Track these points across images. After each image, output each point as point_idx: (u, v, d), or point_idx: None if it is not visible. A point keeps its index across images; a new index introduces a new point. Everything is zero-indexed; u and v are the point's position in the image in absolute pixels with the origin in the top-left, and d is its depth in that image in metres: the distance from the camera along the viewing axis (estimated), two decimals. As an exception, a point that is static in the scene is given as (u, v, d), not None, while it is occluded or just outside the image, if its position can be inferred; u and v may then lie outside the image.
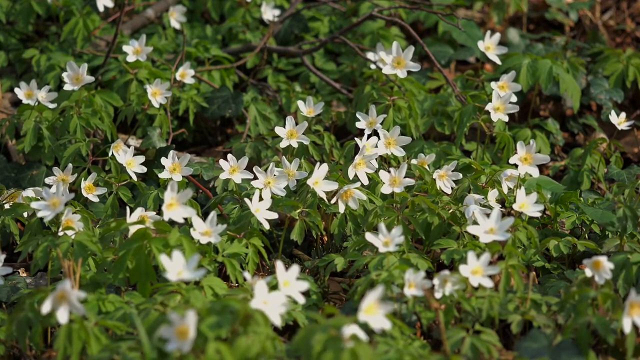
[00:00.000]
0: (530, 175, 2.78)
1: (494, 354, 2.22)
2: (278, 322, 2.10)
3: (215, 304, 2.08)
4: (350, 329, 2.01)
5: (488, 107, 2.97)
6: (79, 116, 3.04)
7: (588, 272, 2.34)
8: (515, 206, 2.54)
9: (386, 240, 2.40)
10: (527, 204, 2.54)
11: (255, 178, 2.73)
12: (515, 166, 2.77)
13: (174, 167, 2.79)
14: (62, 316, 2.12)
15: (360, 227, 2.68)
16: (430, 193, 2.76)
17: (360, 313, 2.07)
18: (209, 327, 2.03)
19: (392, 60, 3.10)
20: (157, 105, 3.14)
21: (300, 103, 3.05)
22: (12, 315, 2.24)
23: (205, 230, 2.43)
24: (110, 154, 2.92)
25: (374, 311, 2.09)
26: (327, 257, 2.60)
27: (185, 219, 2.42)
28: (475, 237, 2.49)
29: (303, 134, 2.91)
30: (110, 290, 2.48)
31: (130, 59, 3.25)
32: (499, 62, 3.25)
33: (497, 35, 3.24)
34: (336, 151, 3.17)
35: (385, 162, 2.95)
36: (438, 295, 2.32)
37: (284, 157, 2.81)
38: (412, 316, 2.38)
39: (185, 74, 3.25)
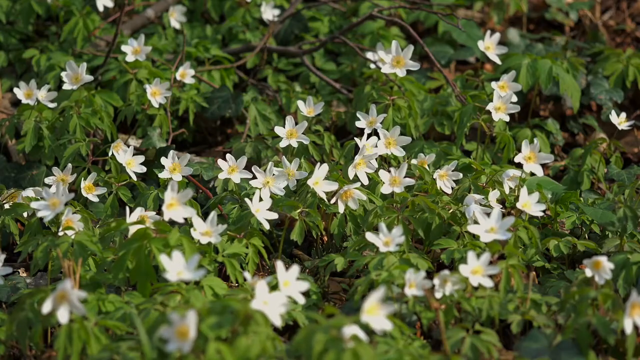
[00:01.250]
0: (534, 174, 2.78)
1: (494, 354, 2.22)
2: (278, 322, 2.10)
3: (216, 304, 2.08)
4: (351, 329, 2.01)
5: (489, 107, 2.97)
6: (78, 116, 3.03)
7: (588, 272, 2.33)
8: (518, 205, 2.54)
9: (386, 239, 2.40)
10: (530, 204, 2.54)
11: (255, 177, 2.73)
12: (520, 165, 2.77)
13: (174, 167, 2.79)
14: (63, 316, 2.12)
15: (360, 227, 2.68)
16: (431, 193, 2.76)
17: (362, 314, 2.06)
18: (210, 327, 2.03)
19: (392, 59, 3.10)
20: (156, 105, 3.14)
21: (300, 103, 3.05)
22: (12, 315, 2.23)
23: (205, 230, 2.43)
24: (110, 153, 2.92)
25: (375, 312, 2.09)
26: (327, 257, 2.60)
27: (185, 219, 2.42)
28: (475, 237, 2.49)
29: (303, 133, 2.91)
30: (110, 290, 2.47)
31: (129, 58, 3.25)
32: (499, 62, 3.25)
33: (497, 35, 3.24)
34: (336, 151, 3.16)
35: (386, 162, 2.95)
36: (438, 295, 2.32)
37: (284, 157, 2.81)
38: (412, 316, 2.38)
39: (185, 73, 3.25)
